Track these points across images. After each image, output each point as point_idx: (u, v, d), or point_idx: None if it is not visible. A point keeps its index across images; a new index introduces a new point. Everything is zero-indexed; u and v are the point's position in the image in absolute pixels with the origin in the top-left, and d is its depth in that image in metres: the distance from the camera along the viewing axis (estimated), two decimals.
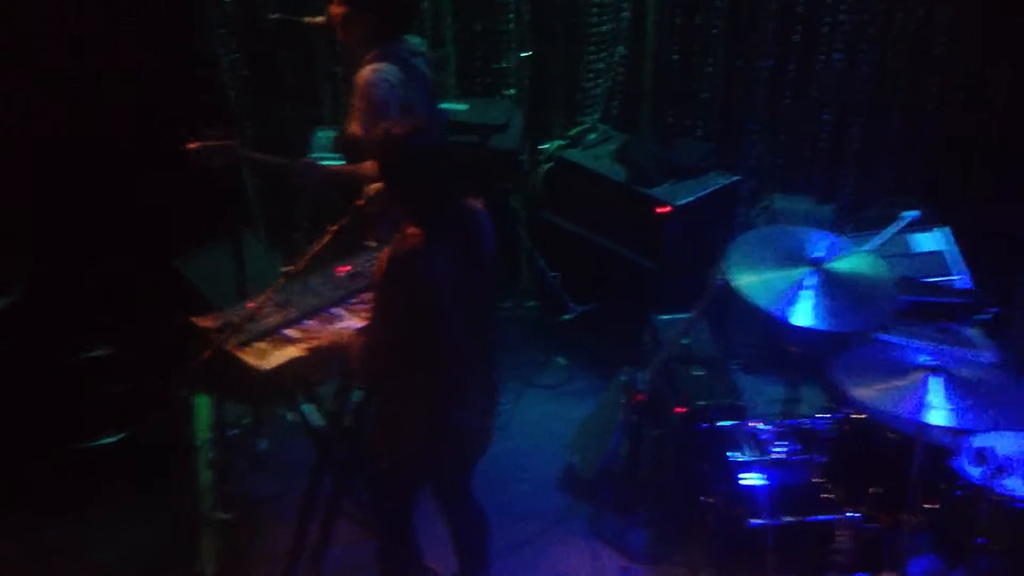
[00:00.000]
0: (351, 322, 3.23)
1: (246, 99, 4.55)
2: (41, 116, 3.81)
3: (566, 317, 4.42)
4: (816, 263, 3.24)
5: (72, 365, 3.74)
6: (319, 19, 3.65)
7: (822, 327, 3.12)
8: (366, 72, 3.37)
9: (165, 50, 4.15)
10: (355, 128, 3.41)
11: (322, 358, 3.10)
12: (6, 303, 3.55)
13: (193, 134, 3.29)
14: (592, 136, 4.57)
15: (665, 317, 3.89)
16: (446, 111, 4.15)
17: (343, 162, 3.68)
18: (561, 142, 4.54)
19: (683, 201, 4.14)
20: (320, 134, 4.32)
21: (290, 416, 3.59)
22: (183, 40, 4.29)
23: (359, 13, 3.40)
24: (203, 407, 3.78)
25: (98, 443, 3.75)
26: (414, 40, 3.63)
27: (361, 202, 2.92)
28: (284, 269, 2.95)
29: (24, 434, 3.67)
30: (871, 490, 3.10)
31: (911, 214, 3.90)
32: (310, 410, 3.44)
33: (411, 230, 2.74)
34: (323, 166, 3.68)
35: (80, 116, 3.86)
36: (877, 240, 3.86)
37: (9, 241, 3.66)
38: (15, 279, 3.63)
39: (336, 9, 3.43)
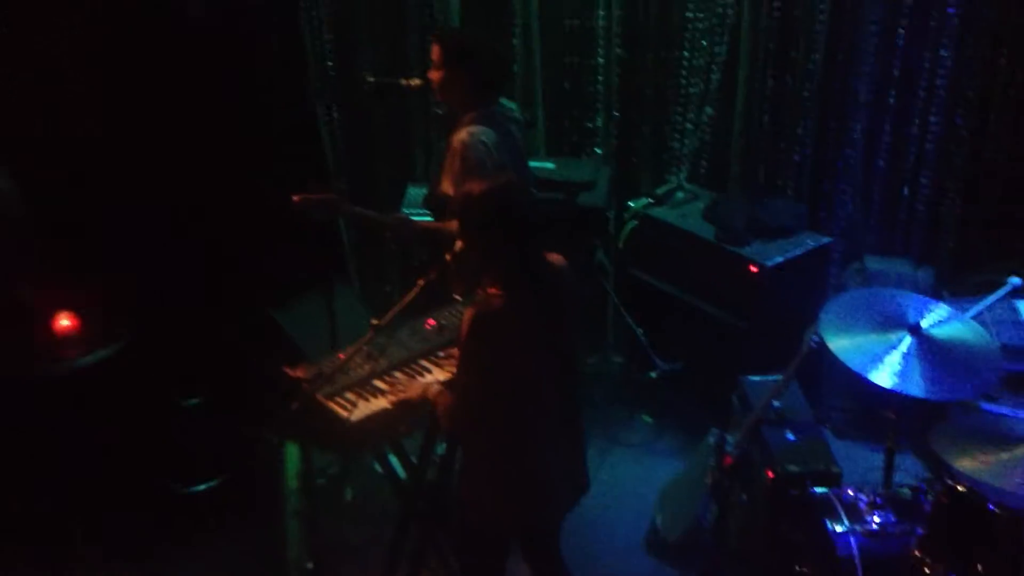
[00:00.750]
0: (437, 375, 3.27)
1: (342, 156, 4.71)
2: (148, 173, 4.00)
3: (653, 375, 4.37)
4: (914, 328, 3.14)
5: (171, 412, 3.86)
6: (415, 82, 3.77)
7: (920, 394, 3.01)
8: (463, 134, 3.45)
9: (272, 108, 4.35)
10: (447, 187, 3.48)
11: (408, 411, 3.14)
12: (111, 351, 3.69)
13: (296, 188, 3.42)
14: (680, 194, 4.56)
15: (755, 378, 3.82)
16: (534, 170, 4.21)
17: (433, 219, 3.77)
18: (648, 199, 4.55)
19: (774, 261, 4.09)
20: (412, 191, 4.43)
21: (377, 466, 3.61)
22: (289, 100, 4.49)
23: (455, 76, 3.51)
24: (292, 455, 3.84)
25: (193, 489, 3.84)
26: (508, 104, 3.72)
27: (448, 257, 2.97)
28: (373, 321, 3.00)
29: (123, 478, 3.78)
30: (975, 566, 2.94)
31: (1015, 281, 3.75)
32: (396, 461, 3.47)
33: (494, 289, 2.77)
34: (415, 222, 3.76)
35: (185, 172, 4.04)
36: (980, 306, 3.72)
37: (115, 292, 3.82)
38: (120, 328, 3.77)
39: (434, 73, 3.55)
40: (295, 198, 3.40)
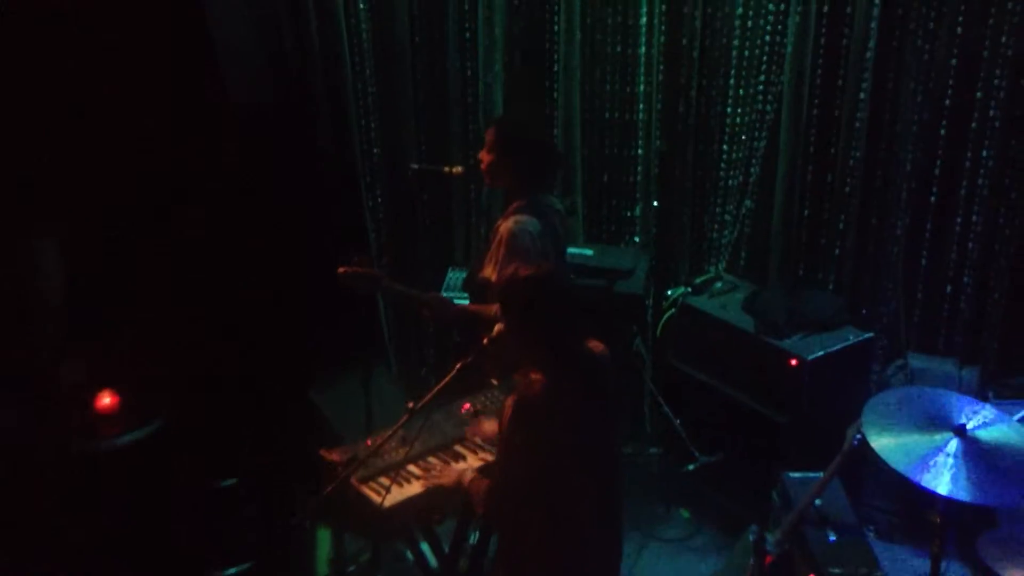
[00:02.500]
0: (472, 462, 3.25)
1: (385, 239, 4.78)
2: (188, 251, 4.06)
3: (691, 467, 4.30)
4: (959, 429, 3.07)
5: (206, 493, 3.85)
6: (457, 169, 3.85)
7: (966, 498, 2.93)
8: (509, 223, 3.49)
9: (318, 193, 4.43)
10: (490, 272, 3.51)
11: (442, 497, 3.11)
12: (150, 430, 3.70)
13: (341, 261, 3.47)
14: (719, 285, 4.56)
15: (796, 475, 3.74)
16: (573, 256, 4.24)
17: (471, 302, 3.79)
18: (686, 289, 4.55)
19: (815, 355, 4.04)
20: (452, 274, 4.48)
21: (408, 554, 3.56)
22: (334, 184, 4.58)
23: (506, 162, 3.56)
24: (324, 540, 3.80)
25: (225, 572, 3.79)
26: (551, 198, 3.78)
27: (485, 341, 2.98)
28: (409, 404, 3.00)
29: (156, 558, 3.75)
30: None
31: None
32: (427, 549, 3.42)
33: (534, 375, 2.77)
34: (455, 304, 3.79)
35: (225, 250, 4.09)
36: None
37: (154, 371, 3.86)
38: (158, 407, 3.80)
39: (486, 155, 3.60)
40: (340, 269, 3.46)
